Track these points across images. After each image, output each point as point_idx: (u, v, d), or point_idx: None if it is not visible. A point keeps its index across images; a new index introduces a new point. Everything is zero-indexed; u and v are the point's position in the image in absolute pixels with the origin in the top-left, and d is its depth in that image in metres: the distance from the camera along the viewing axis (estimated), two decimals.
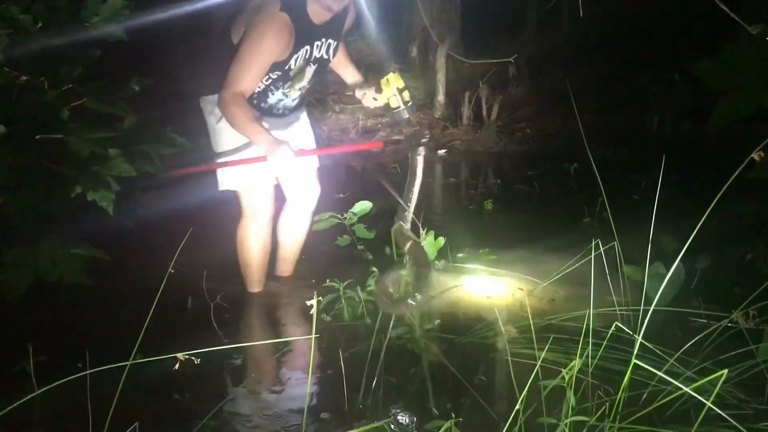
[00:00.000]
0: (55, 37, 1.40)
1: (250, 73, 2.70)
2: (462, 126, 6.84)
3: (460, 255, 3.70)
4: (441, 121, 6.97)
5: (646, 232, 2.56)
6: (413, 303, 2.83)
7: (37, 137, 1.33)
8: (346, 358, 2.52)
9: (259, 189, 3.08)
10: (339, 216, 3.64)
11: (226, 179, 3.05)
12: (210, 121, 3.01)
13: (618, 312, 2.79)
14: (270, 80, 2.86)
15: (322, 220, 3.61)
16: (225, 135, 2.95)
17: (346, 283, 3.00)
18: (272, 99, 2.98)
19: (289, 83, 2.94)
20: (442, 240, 3.54)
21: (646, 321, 2.30)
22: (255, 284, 3.31)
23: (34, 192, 1.31)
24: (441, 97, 7.15)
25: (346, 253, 3.63)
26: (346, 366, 2.47)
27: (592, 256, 2.66)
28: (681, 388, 1.92)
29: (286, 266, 3.53)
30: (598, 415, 2.09)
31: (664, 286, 2.47)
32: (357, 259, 3.59)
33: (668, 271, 2.37)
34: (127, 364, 1.67)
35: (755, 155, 1.80)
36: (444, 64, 7.09)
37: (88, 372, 1.74)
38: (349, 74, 3.26)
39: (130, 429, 1.92)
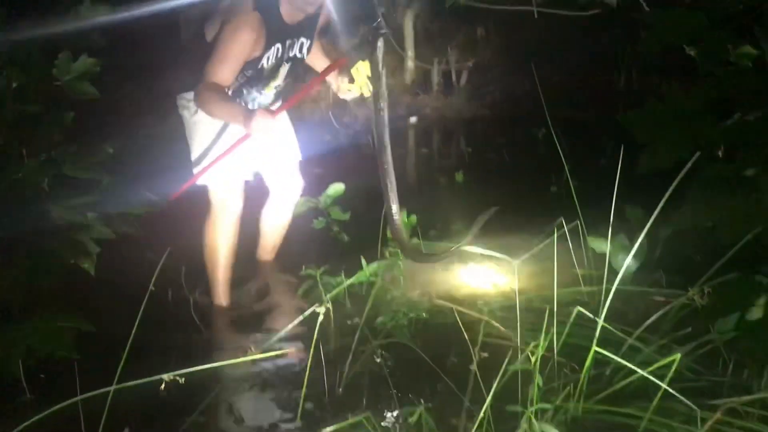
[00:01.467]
0: (30, 100, 1.43)
1: (224, 66, 2.74)
2: (432, 92, 6.87)
3: (432, 232, 3.81)
4: (411, 88, 6.99)
5: (611, 200, 2.59)
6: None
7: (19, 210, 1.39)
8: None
9: (230, 184, 3.09)
10: (314, 199, 3.73)
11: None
12: (185, 115, 3.05)
13: (582, 289, 2.92)
14: (244, 78, 2.91)
15: (297, 205, 3.70)
16: (201, 129, 3.00)
17: (322, 269, 3.07)
18: (247, 98, 3.03)
19: (263, 82, 3.00)
20: (414, 218, 3.64)
21: (608, 300, 2.46)
22: (221, 293, 3.24)
23: (20, 267, 1.36)
24: (410, 63, 7.14)
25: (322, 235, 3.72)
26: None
27: (555, 233, 2.79)
28: (640, 371, 2.07)
29: (266, 253, 3.63)
30: (563, 395, 2.24)
31: (628, 258, 2.61)
32: (333, 241, 3.70)
33: (632, 241, 2.45)
34: None
35: None
36: (412, 27, 7.07)
37: None
38: (323, 67, 3.23)
39: None
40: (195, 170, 3.03)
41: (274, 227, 3.56)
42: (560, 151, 3.40)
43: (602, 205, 2.71)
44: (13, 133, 1.45)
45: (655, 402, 2.05)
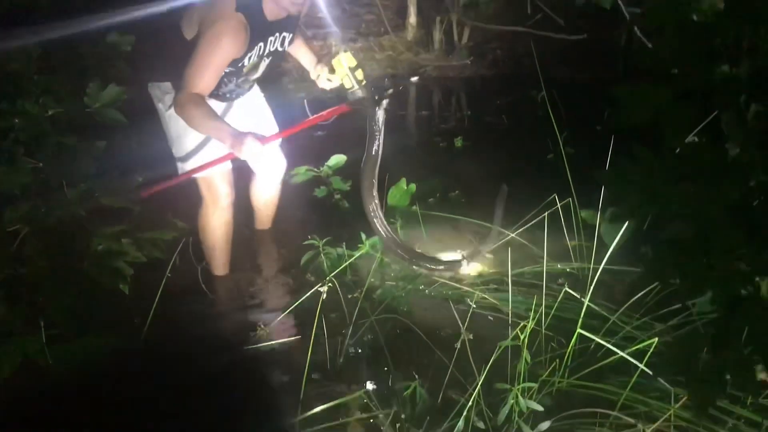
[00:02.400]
0: (65, 130, 1.52)
1: (206, 75, 2.67)
2: (434, 51, 6.87)
3: (430, 200, 3.93)
4: (413, 45, 6.99)
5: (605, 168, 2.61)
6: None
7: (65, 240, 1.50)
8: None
9: (218, 175, 3.04)
10: (315, 169, 3.84)
11: (187, 165, 3.00)
12: (160, 108, 2.97)
13: (573, 264, 3.06)
14: (224, 73, 2.81)
15: (299, 174, 3.82)
16: (178, 121, 2.82)
17: (324, 240, 3.19)
18: (224, 89, 2.97)
19: (242, 77, 2.94)
20: (414, 186, 3.76)
21: (595, 279, 2.60)
22: (220, 268, 3.30)
23: (69, 294, 1.48)
24: (413, 19, 7.10)
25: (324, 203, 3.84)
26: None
27: (547, 210, 2.91)
28: (620, 352, 2.23)
29: (263, 224, 3.73)
30: (549, 370, 2.40)
31: (618, 235, 2.73)
32: (334, 208, 3.82)
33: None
34: None
35: None
36: None
37: None
38: (304, 57, 3.25)
39: None
40: (177, 162, 3.02)
41: (264, 202, 3.62)
42: (553, 119, 3.49)
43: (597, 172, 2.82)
44: (54, 165, 1.55)
45: (632, 380, 2.20)
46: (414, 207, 3.63)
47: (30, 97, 1.54)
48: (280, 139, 3.30)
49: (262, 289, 3.29)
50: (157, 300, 2.79)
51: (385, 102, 3.00)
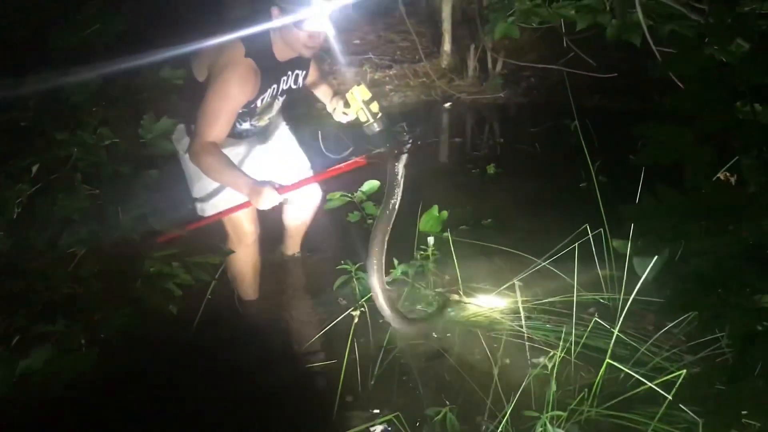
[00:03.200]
0: (121, 160, 1.63)
1: (218, 123, 2.63)
2: (467, 77, 6.96)
3: (462, 227, 3.97)
4: (447, 72, 7.08)
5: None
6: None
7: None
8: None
9: (242, 214, 3.01)
10: (349, 195, 3.92)
11: (207, 206, 2.97)
12: (178, 149, 2.87)
13: (604, 294, 3.08)
14: (237, 116, 2.78)
15: (333, 200, 3.90)
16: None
17: (357, 265, 3.25)
18: (239, 129, 2.93)
19: (256, 117, 2.92)
20: (446, 213, 3.81)
21: (624, 310, 2.62)
22: (250, 294, 3.33)
23: (122, 313, 1.58)
24: (447, 47, 7.22)
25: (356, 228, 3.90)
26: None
27: (578, 241, 2.93)
28: (648, 382, 2.25)
29: (290, 249, 3.74)
30: (578, 400, 2.42)
31: (649, 266, 2.75)
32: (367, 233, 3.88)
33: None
34: None
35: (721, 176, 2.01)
36: (450, 12, 7.13)
37: None
38: (320, 90, 3.21)
39: None
40: (196, 204, 3.00)
41: (296, 227, 3.63)
42: (584, 147, 3.51)
43: (629, 202, 2.83)
44: (110, 192, 1.66)
45: (661, 411, 2.22)
46: (445, 234, 3.67)
47: (88, 128, 1.65)
48: (310, 170, 3.34)
49: (294, 313, 3.36)
50: (197, 319, 2.88)
51: (404, 157, 2.77)
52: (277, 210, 3.50)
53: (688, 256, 1.21)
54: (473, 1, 7.03)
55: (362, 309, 2.71)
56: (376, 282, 2.77)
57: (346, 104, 2.93)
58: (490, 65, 6.92)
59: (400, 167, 2.75)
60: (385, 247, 2.81)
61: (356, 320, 2.60)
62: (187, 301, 2.55)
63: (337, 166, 2.90)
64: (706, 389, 1.30)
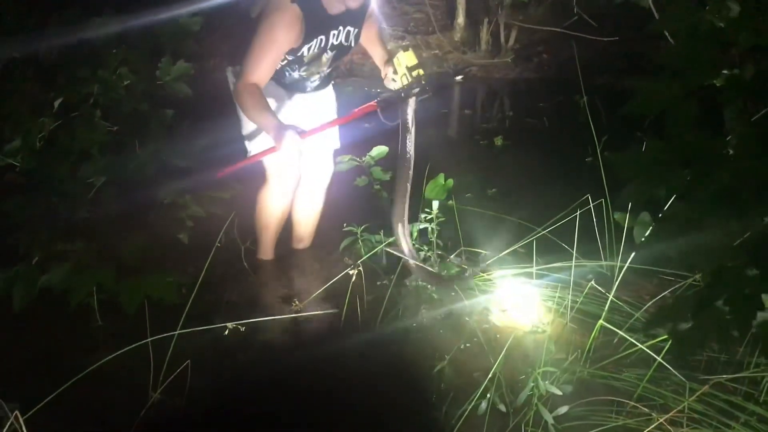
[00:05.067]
0: (139, 99, 1.70)
1: (262, 65, 2.70)
2: (480, 51, 6.97)
3: (467, 195, 4.03)
4: (460, 45, 7.10)
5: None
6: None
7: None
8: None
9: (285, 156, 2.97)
10: (358, 159, 3.98)
11: (253, 145, 3.05)
12: (232, 91, 2.90)
13: (602, 263, 3.15)
14: (285, 61, 2.85)
15: (343, 162, 3.96)
16: None
17: (363, 227, 3.32)
18: (289, 78, 2.99)
19: (305, 68, 2.95)
20: (451, 181, 3.86)
21: (619, 277, 2.69)
22: (267, 251, 3.38)
23: (137, 236, 1.67)
24: (461, 20, 7.23)
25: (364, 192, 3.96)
26: None
27: (578, 209, 3.00)
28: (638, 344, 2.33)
29: (302, 242, 3.63)
30: (571, 360, 2.50)
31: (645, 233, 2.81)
32: (374, 197, 3.95)
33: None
34: None
35: None
36: None
37: None
38: (375, 54, 3.19)
39: None
40: (246, 144, 3.06)
41: (307, 215, 3.54)
42: (591, 123, 3.57)
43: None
44: (128, 128, 1.74)
45: (650, 373, 2.30)
46: (450, 202, 3.73)
47: (108, 67, 1.72)
48: (334, 146, 3.43)
49: (300, 270, 3.43)
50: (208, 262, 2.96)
51: (412, 101, 2.79)
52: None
53: (666, 202, 1.29)
54: None
55: (359, 269, 2.80)
56: (400, 231, 2.97)
57: (395, 71, 2.88)
58: (502, 39, 6.93)
59: (411, 111, 2.80)
60: (408, 195, 2.99)
61: (353, 279, 2.69)
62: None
63: (350, 113, 2.89)
64: (676, 319, 1.38)
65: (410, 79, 2.77)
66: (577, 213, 3.05)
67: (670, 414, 2.18)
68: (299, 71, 2.96)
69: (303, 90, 3.12)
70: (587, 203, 3.21)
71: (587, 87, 4.06)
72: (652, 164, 1.25)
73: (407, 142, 2.89)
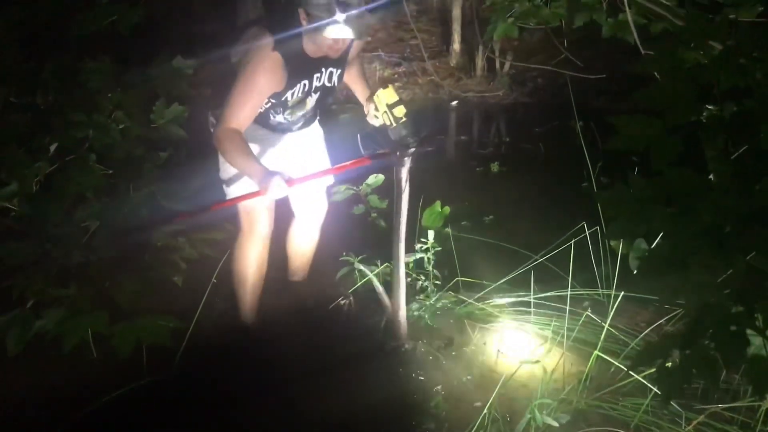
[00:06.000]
0: (134, 143, 1.73)
1: (243, 110, 2.65)
2: (475, 77, 7.04)
3: (463, 222, 4.06)
4: (455, 71, 7.17)
5: None
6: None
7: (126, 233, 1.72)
8: None
9: (258, 206, 2.97)
10: (354, 188, 4.00)
11: (233, 190, 2.97)
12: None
13: (599, 291, 3.16)
14: (269, 104, 2.82)
15: (339, 192, 3.98)
16: None
17: (359, 258, 3.32)
18: (273, 121, 2.95)
19: (288, 111, 2.91)
20: (447, 209, 3.88)
21: (615, 305, 2.70)
22: (249, 311, 3.21)
23: (131, 281, 1.68)
24: (456, 46, 7.31)
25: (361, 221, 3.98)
26: None
27: (574, 237, 3.02)
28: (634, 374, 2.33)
29: (297, 276, 3.57)
30: (568, 390, 2.50)
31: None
32: (371, 227, 3.96)
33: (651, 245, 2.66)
34: None
35: None
36: (460, 13, 7.22)
37: None
38: (358, 91, 3.16)
39: None
40: (224, 188, 2.99)
41: (302, 250, 3.49)
42: (584, 148, 3.59)
43: None
44: (122, 171, 1.76)
45: (646, 402, 2.30)
46: (447, 229, 3.75)
47: (104, 111, 1.75)
48: (328, 183, 3.36)
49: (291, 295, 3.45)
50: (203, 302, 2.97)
51: (407, 161, 2.71)
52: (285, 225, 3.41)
53: (653, 237, 1.30)
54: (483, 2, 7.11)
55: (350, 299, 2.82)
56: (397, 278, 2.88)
57: (377, 107, 2.84)
58: (497, 65, 7.00)
59: (404, 171, 2.72)
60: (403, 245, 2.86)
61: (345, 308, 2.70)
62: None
63: (342, 164, 2.85)
64: (662, 356, 1.39)
65: (391, 117, 2.71)
66: (572, 242, 3.04)
67: None
68: (283, 114, 2.93)
69: (289, 130, 3.09)
70: (583, 230, 3.22)
71: (582, 111, 4.10)
72: (635, 202, 1.28)
73: (402, 199, 2.78)
